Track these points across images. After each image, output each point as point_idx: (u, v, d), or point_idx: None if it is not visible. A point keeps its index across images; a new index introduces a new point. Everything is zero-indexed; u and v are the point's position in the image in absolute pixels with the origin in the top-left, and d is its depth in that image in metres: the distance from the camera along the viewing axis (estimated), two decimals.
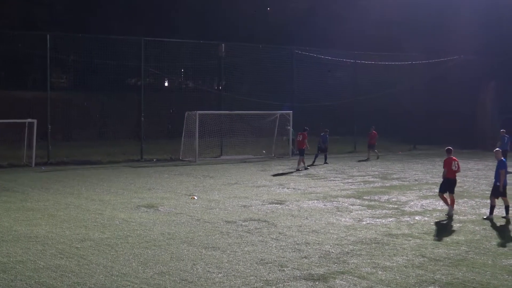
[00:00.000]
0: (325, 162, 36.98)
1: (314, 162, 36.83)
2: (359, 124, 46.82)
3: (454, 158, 20.12)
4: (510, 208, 19.22)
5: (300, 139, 34.36)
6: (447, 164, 20.10)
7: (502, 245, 15.42)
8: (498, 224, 18.29)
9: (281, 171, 32.69)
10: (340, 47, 50.51)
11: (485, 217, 19.21)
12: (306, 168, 33.84)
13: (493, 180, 19.61)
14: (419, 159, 40.64)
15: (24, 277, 12.10)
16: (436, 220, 18.74)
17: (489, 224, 18.19)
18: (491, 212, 19.15)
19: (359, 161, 39.27)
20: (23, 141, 34.56)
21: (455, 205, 20.09)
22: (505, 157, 34.57)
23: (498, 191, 19.19)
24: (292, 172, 32.23)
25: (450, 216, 19.35)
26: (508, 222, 18.68)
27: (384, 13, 60.84)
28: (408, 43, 56.78)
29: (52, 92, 37.68)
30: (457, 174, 20.11)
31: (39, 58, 43.24)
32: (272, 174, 31.38)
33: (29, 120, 34.31)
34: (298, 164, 33.92)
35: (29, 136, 34.13)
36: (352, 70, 48.77)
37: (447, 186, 20.05)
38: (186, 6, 62.46)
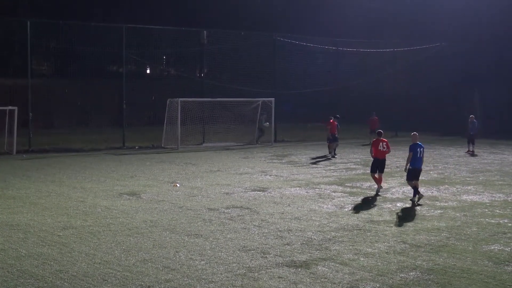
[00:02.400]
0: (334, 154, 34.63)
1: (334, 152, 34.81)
2: (341, 111, 46.91)
3: (383, 139, 21.54)
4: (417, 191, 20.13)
5: (330, 126, 33.87)
6: (375, 145, 21.62)
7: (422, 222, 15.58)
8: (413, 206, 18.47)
9: (313, 155, 33.27)
10: (322, 34, 50.50)
11: (410, 199, 20.01)
12: (333, 156, 33.39)
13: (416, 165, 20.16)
14: (401, 146, 40.63)
15: (6, 265, 12.06)
16: (417, 207, 18.87)
17: (470, 210, 18.33)
18: (415, 194, 19.83)
19: (363, 145, 39.86)
20: (4, 129, 34.27)
21: (383, 184, 22.11)
22: (473, 142, 35.46)
23: (412, 175, 19.98)
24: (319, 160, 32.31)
25: (377, 193, 21.19)
26: (413, 204, 19.41)
27: (365, 0, 60.90)
28: (390, 30, 56.96)
29: (33, 79, 37.34)
30: (387, 155, 21.86)
31: (20, 44, 42.90)
32: (312, 157, 31.63)
33: (10, 107, 34.02)
34: (334, 149, 33.99)
35: (10, 123, 33.86)
36: (334, 57, 48.79)
37: (377, 165, 21.58)
38: None
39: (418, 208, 18.70)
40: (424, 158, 32.22)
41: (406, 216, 17.46)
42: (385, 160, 21.82)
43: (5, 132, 34.14)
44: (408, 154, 20.06)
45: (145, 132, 41.98)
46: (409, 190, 21.89)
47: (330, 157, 33.19)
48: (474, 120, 36.04)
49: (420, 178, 24.97)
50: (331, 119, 34.22)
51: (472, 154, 34.62)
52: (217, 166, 28.74)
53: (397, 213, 17.89)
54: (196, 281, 11.24)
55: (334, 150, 34.00)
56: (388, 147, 21.54)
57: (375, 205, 19.15)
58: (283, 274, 11.69)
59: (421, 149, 19.97)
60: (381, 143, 21.46)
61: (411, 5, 58.77)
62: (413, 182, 19.91)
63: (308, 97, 48.04)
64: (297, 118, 50.78)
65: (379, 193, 21.19)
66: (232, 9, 62.28)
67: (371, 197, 20.74)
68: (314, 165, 29.74)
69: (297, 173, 26.56)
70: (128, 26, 38.96)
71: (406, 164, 20.05)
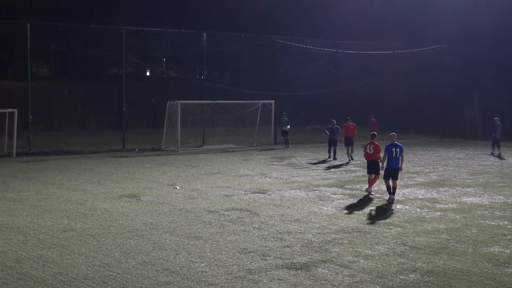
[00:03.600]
0: (334, 157, 33.35)
1: (334, 156, 33.30)
2: (341, 113, 46.93)
3: (372, 142, 21.93)
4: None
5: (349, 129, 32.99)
6: (364, 148, 22.33)
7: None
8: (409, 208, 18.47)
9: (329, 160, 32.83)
10: (322, 37, 50.52)
11: (387, 198, 20.44)
12: (335, 159, 33.02)
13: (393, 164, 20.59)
14: None
15: (6, 267, 12.05)
16: (417, 209, 18.86)
17: (470, 212, 18.31)
18: (390, 192, 20.48)
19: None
20: (4, 131, 34.28)
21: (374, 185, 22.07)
22: (498, 144, 35.67)
23: (387, 174, 20.54)
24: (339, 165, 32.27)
25: (369, 192, 21.59)
26: (392, 201, 20.02)
27: (365, 2, 60.96)
28: (389, 32, 56.96)
29: (33, 81, 37.38)
30: (379, 156, 21.73)
31: (20, 47, 42.91)
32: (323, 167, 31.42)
33: (10, 110, 34.04)
34: (334, 152, 33.38)
35: (10, 126, 33.89)
36: (334, 59, 48.83)
37: (370, 168, 21.95)
38: None
39: (418, 210, 18.67)
40: (424, 160, 32.48)
41: (406, 218, 17.44)
42: (374, 161, 21.81)
43: (5, 134, 34.15)
44: (384, 154, 20.78)
45: (145, 134, 41.98)
46: (408, 192, 21.93)
47: (350, 160, 32.32)
48: (499, 123, 36.04)
49: (420, 180, 25.09)
50: (347, 121, 33.47)
51: (499, 155, 34.80)
52: (217, 168, 28.74)
53: (397, 215, 17.87)
54: (196, 283, 11.24)
55: (334, 153, 33.41)
56: (376, 150, 21.69)
57: (374, 207, 19.15)
58: (283, 276, 11.69)
59: (397, 149, 20.39)
60: (369, 146, 21.87)
61: (410, 7, 58.79)
62: (389, 182, 20.43)
63: (308, 99, 48.05)
64: (297, 120, 50.74)
65: (370, 194, 21.48)
66: (232, 11, 62.27)
67: (369, 199, 20.76)
68: (314, 167, 29.73)
69: (297, 175, 26.56)
70: (128, 28, 39.01)
71: (382, 164, 20.93)
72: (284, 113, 40.96)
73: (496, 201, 20.39)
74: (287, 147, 40.07)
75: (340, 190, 22.58)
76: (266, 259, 12.84)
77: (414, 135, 47.67)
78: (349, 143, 32.67)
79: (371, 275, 11.85)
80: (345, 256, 13.13)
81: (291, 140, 41.26)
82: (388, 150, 20.53)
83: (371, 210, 18.73)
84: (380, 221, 16.87)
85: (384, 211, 18.52)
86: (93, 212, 17.72)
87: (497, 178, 25.93)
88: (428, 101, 52.12)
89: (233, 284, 11.24)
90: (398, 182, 21.95)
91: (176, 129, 37.41)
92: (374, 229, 15.79)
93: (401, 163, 20.63)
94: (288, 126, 40.19)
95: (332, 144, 33.63)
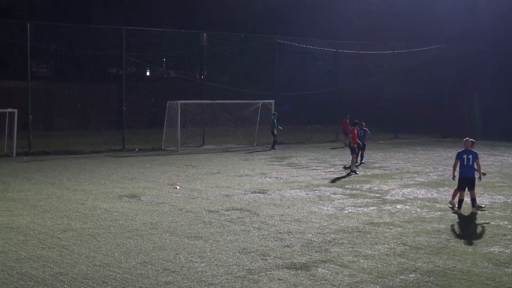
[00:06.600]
0: (361, 162, 31.10)
1: (361, 161, 31.09)
2: (341, 113, 46.99)
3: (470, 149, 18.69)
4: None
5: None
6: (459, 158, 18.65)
7: (480, 233, 15.58)
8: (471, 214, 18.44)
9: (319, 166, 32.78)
10: (322, 37, 50.54)
11: (453, 210, 18.60)
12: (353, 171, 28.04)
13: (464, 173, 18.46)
14: (401, 148, 40.79)
15: (6, 267, 12.05)
16: (417, 209, 18.85)
17: (470, 211, 18.29)
18: (460, 205, 18.48)
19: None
20: (4, 131, 34.28)
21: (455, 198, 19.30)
22: None
23: (462, 184, 18.49)
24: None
25: (452, 205, 19.07)
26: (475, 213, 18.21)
27: (365, 2, 61.00)
28: (389, 32, 57.03)
29: (33, 81, 37.39)
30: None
31: (19, 47, 42.90)
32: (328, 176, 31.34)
33: (10, 110, 34.05)
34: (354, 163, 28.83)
35: (10, 126, 33.88)
36: (334, 59, 48.86)
37: (464, 184, 18.64)
38: None
39: (418, 210, 18.66)
40: (424, 160, 32.45)
41: (406, 218, 17.44)
42: (470, 178, 18.50)
43: (5, 134, 34.15)
44: (456, 162, 18.63)
45: (145, 134, 41.99)
46: (408, 192, 21.92)
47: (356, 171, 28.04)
48: None
49: (420, 179, 25.07)
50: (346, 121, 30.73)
51: None
52: (217, 168, 28.73)
53: (397, 215, 17.86)
54: (196, 283, 11.23)
55: (362, 157, 30.96)
56: (477, 164, 18.64)
57: (375, 207, 19.13)
58: (283, 276, 11.69)
59: (470, 156, 18.25)
60: (465, 155, 18.47)
61: (410, 7, 58.84)
62: (464, 193, 18.45)
63: (308, 99, 48.06)
64: (297, 120, 50.80)
65: (454, 207, 18.91)
66: (232, 11, 62.35)
67: (371, 199, 20.74)
68: (314, 167, 29.71)
69: (297, 175, 26.55)
70: (128, 28, 39.01)
71: (453, 172, 18.79)
72: (275, 113, 39.64)
73: (496, 201, 20.38)
74: (272, 148, 38.95)
75: (340, 190, 22.57)
76: (266, 259, 12.84)
77: (414, 135, 47.68)
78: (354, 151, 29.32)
79: (371, 275, 11.85)
80: (345, 256, 13.13)
81: (291, 140, 41.26)
82: (459, 157, 18.45)
83: (371, 210, 18.69)
84: (380, 221, 16.86)
85: (383, 211, 18.48)
86: (93, 212, 17.72)
87: (497, 178, 25.92)
88: (428, 101, 52.15)
89: (233, 284, 11.23)
90: (399, 181, 21.97)
91: (176, 129, 37.41)
92: (374, 229, 15.79)
93: (480, 172, 18.60)
94: (276, 129, 38.69)
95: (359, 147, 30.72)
